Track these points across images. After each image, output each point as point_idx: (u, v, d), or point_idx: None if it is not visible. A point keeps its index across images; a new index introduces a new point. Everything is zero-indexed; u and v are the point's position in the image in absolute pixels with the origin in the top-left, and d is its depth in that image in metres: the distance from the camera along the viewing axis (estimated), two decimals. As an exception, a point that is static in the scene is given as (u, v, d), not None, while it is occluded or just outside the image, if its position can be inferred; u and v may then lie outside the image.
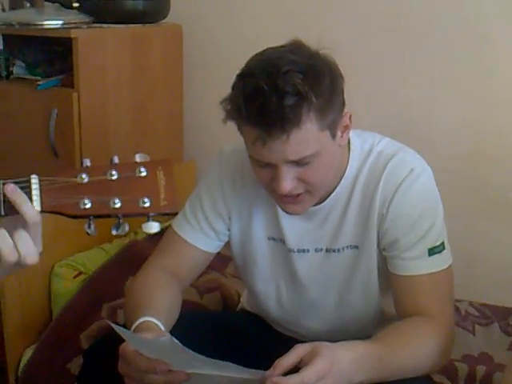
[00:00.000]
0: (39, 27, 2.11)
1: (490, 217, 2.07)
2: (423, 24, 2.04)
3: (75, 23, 2.13)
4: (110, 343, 1.11)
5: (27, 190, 0.86)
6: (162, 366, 1.03)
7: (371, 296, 1.33)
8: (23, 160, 2.20)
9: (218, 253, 1.42)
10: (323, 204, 1.28)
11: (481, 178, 2.06)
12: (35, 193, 0.86)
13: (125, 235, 2.00)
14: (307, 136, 1.11)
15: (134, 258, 1.82)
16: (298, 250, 1.33)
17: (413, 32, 2.06)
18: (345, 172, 1.27)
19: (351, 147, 1.27)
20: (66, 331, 1.81)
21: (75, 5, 2.15)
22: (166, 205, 0.88)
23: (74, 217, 0.87)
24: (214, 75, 2.39)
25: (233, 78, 1.16)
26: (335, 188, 1.27)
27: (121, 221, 0.89)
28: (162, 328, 1.16)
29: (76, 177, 0.87)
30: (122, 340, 1.06)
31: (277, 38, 1.20)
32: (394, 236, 1.24)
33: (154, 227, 0.89)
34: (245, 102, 1.10)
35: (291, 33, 1.20)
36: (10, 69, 2.26)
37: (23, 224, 0.85)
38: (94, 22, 2.18)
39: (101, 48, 2.13)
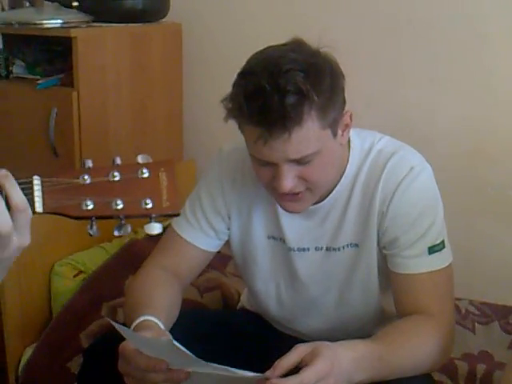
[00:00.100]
0: (39, 26, 2.10)
1: (490, 215, 2.08)
2: (424, 24, 2.04)
3: (75, 22, 2.12)
4: (109, 342, 1.11)
5: (29, 191, 0.85)
6: (162, 364, 1.02)
7: (371, 294, 1.33)
8: (23, 159, 2.19)
9: (218, 252, 1.42)
10: (323, 202, 1.28)
11: (481, 176, 2.07)
12: (37, 194, 0.85)
13: (125, 234, 2.00)
14: (308, 134, 1.11)
15: (134, 257, 1.82)
16: (298, 249, 1.33)
17: (413, 32, 2.06)
18: (345, 170, 1.27)
19: (351, 146, 1.27)
20: (66, 330, 1.81)
21: (75, 4, 2.15)
22: (168, 206, 0.88)
23: (77, 218, 0.87)
24: (213, 74, 2.39)
25: (233, 77, 1.15)
26: (335, 186, 1.27)
27: (123, 222, 0.88)
28: (162, 327, 1.15)
29: (78, 178, 0.87)
30: (122, 339, 1.06)
31: (277, 37, 1.20)
32: (394, 234, 1.24)
33: (156, 228, 0.88)
34: (246, 100, 1.10)
35: (291, 31, 1.19)
36: (10, 68, 2.26)
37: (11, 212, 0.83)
38: (93, 21, 2.17)
39: (100, 47, 2.13)
